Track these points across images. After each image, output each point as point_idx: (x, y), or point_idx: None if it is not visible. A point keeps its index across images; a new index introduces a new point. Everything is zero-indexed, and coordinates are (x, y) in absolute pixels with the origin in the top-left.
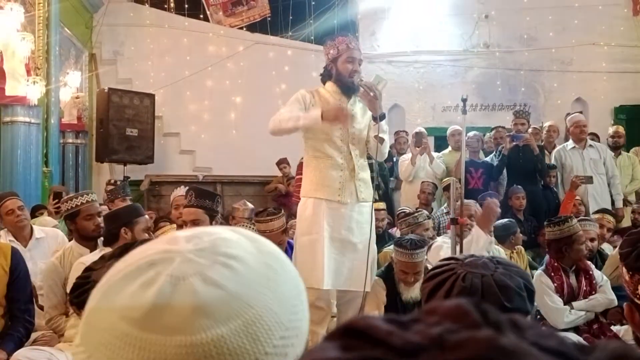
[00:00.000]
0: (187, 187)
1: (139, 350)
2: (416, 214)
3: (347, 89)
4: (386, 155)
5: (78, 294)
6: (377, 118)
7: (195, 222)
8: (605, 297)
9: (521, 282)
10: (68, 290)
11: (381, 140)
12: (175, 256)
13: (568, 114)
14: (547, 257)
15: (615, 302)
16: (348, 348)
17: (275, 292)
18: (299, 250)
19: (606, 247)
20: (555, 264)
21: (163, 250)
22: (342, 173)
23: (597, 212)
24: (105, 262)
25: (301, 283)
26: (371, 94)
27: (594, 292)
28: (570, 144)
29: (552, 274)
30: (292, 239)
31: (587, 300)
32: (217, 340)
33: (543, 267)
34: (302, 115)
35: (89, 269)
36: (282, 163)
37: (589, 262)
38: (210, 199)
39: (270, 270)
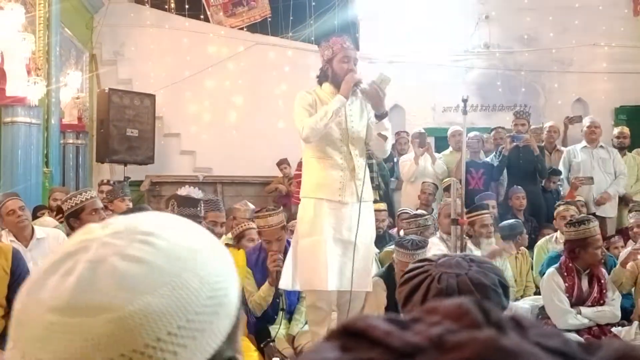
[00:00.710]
0: (186, 191)
1: (68, 335)
2: (426, 217)
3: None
4: (389, 152)
5: None
6: (381, 116)
7: None
8: (613, 312)
9: (495, 278)
10: None
11: (385, 138)
12: (91, 244)
13: (567, 117)
14: (562, 256)
15: (619, 318)
16: (346, 349)
17: (198, 260)
18: (301, 253)
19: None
20: (570, 265)
21: (79, 241)
22: (343, 173)
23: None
24: None
25: (226, 257)
26: (381, 94)
27: (602, 301)
28: (582, 143)
29: (565, 274)
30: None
31: (596, 310)
32: (144, 308)
33: (557, 265)
34: (326, 108)
35: None
36: (282, 164)
37: (604, 271)
38: (192, 206)
39: (191, 241)
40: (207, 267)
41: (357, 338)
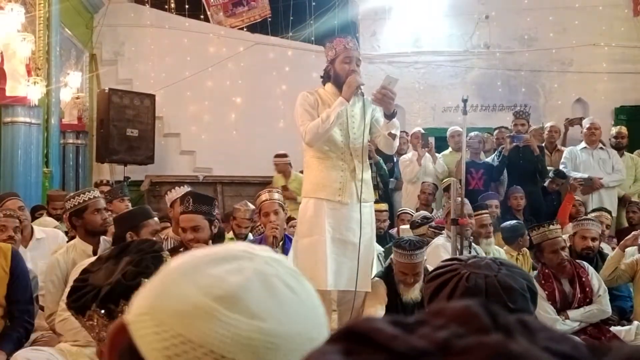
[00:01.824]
0: (185, 191)
1: (218, 323)
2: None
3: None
4: (396, 149)
5: (75, 298)
6: (391, 115)
7: (195, 229)
8: (601, 308)
9: (524, 283)
10: (56, 293)
11: (393, 137)
12: (255, 257)
13: (567, 119)
14: (539, 264)
15: (610, 314)
16: (350, 352)
17: (316, 323)
18: (300, 253)
19: (604, 247)
20: (547, 271)
21: (243, 250)
22: (343, 173)
23: (594, 210)
24: (102, 264)
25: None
26: (392, 95)
27: (588, 299)
28: (582, 144)
29: (543, 282)
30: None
31: (583, 311)
32: (290, 334)
33: (535, 274)
34: (328, 112)
35: (86, 271)
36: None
37: (585, 266)
38: (208, 203)
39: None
40: (321, 328)
41: (361, 341)
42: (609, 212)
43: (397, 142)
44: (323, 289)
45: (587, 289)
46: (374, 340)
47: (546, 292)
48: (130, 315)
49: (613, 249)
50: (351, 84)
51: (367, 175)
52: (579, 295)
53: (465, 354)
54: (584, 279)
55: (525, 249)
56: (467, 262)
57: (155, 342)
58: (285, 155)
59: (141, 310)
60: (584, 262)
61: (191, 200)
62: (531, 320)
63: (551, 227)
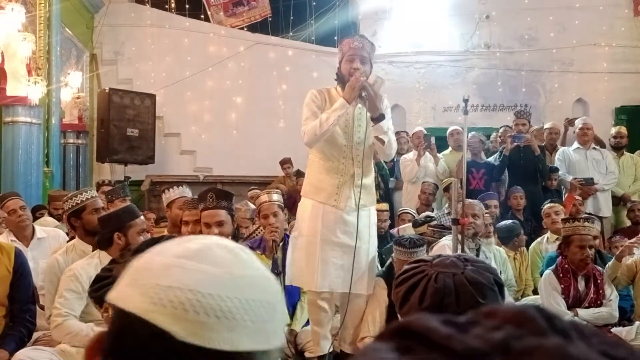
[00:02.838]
0: (181, 191)
1: (187, 271)
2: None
3: None
4: (392, 155)
5: (97, 288)
6: (377, 119)
7: (220, 224)
8: (611, 313)
9: (491, 277)
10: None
11: (382, 142)
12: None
13: (567, 119)
14: (559, 257)
15: (617, 319)
16: (404, 350)
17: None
18: (296, 250)
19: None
20: (566, 266)
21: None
22: (342, 178)
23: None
24: (128, 257)
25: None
26: (372, 92)
27: (599, 302)
28: (575, 145)
29: (561, 275)
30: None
31: (594, 312)
32: (243, 276)
33: (553, 267)
34: (328, 113)
35: (113, 262)
36: (285, 163)
37: (601, 270)
38: (228, 199)
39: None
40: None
41: (413, 339)
42: (600, 219)
43: (390, 149)
44: (313, 290)
45: (601, 292)
46: (427, 338)
47: (562, 286)
48: (114, 290)
49: (616, 247)
50: (353, 85)
51: (368, 180)
52: (591, 296)
53: (526, 355)
54: (599, 281)
55: (523, 248)
56: (432, 262)
57: (139, 297)
58: (289, 160)
59: (122, 282)
60: (600, 267)
61: (214, 196)
62: (583, 324)
63: (586, 223)
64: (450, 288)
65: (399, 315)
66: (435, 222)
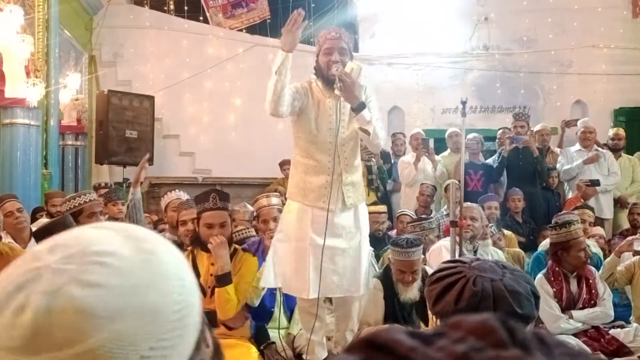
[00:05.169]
0: (179, 195)
1: None
2: (430, 219)
3: (328, 82)
4: (381, 146)
5: None
6: (357, 109)
7: (222, 225)
8: (605, 312)
9: (528, 287)
10: None
11: (366, 132)
12: (42, 272)
13: (564, 120)
14: (549, 261)
15: (612, 318)
16: None
17: (156, 272)
18: (283, 256)
19: (589, 243)
20: (556, 269)
21: (27, 270)
22: (329, 178)
23: (576, 208)
24: None
25: (180, 259)
26: (348, 81)
27: (593, 302)
28: (576, 146)
29: (552, 279)
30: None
31: (588, 312)
32: (110, 337)
33: (544, 271)
34: (273, 70)
35: None
36: (285, 164)
37: (592, 270)
38: (228, 200)
39: (145, 253)
40: (167, 279)
41: (380, 351)
42: (592, 209)
43: (377, 139)
44: (305, 298)
45: (593, 291)
46: (393, 351)
47: (554, 290)
48: None
49: (610, 252)
50: (287, 29)
51: (356, 177)
52: (584, 296)
53: None
54: (591, 281)
55: (508, 232)
56: (471, 264)
57: None
58: (289, 162)
59: None
60: (591, 267)
61: (217, 197)
62: (547, 335)
63: (575, 226)
64: (488, 293)
65: (429, 313)
66: (410, 219)
